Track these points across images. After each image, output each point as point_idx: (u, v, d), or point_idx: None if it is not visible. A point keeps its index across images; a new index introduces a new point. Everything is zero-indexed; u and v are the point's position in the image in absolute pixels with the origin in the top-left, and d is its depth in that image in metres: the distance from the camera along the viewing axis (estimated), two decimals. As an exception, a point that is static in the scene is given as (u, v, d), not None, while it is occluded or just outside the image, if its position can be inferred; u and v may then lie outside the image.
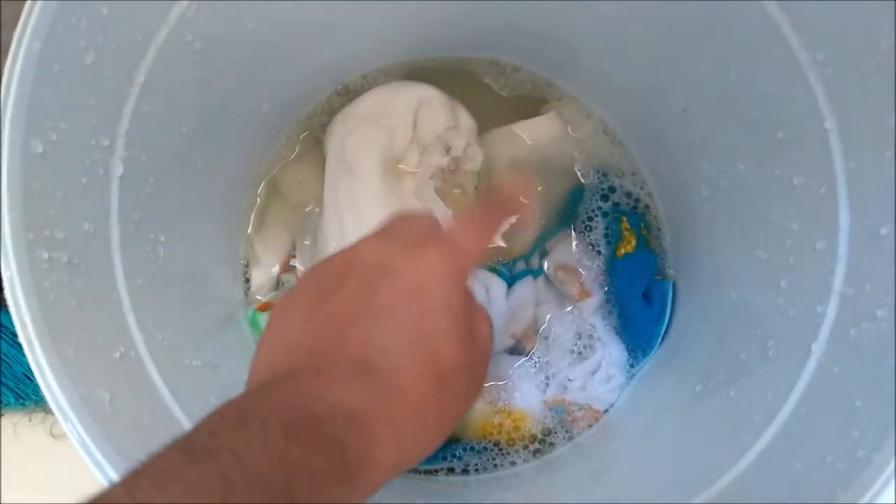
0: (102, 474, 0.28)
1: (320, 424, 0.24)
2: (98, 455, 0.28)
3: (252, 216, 0.54)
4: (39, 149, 0.30)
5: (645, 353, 0.52)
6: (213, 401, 0.25)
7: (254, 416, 0.23)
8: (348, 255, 0.31)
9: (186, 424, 0.35)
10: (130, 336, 0.35)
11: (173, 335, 0.39)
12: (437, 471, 0.50)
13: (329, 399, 0.25)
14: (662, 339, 0.52)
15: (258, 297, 0.53)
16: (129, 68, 0.36)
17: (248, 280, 0.54)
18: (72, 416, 0.28)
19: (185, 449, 0.21)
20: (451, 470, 0.50)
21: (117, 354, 0.34)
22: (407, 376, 0.27)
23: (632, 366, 0.52)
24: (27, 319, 0.28)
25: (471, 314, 0.31)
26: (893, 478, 0.27)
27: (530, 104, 0.56)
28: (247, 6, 0.40)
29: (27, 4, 0.29)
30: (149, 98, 0.37)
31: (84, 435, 0.28)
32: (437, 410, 0.28)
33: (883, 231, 0.32)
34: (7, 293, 0.28)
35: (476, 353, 0.30)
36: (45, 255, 0.30)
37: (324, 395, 0.25)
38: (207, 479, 0.20)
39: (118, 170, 0.36)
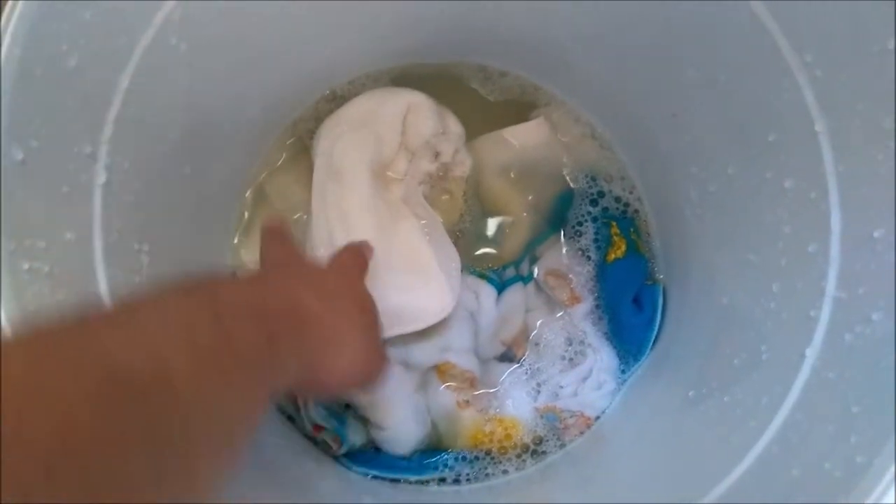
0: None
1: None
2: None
3: (239, 224, 0.54)
4: (19, 156, 0.29)
5: (636, 359, 0.51)
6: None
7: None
8: None
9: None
10: (115, 348, 0.34)
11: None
12: (427, 481, 0.49)
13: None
14: (653, 344, 0.52)
15: (245, 306, 0.52)
16: (113, 72, 0.35)
17: (234, 289, 0.53)
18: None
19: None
20: (442, 480, 0.49)
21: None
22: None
23: (623, 371, 0.52)
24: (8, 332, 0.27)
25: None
26: (894, 482, 0.27)
27: (518, 109, 0.56)
28: (232, 9, 0.40)
29: (7, 6, 0.28)
30: (134, 103, 0.36)
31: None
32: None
33: (876, 234, 0.32)
34: (-13, 305, 0.27)
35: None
36: (26, 266, 0.29)
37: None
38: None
39: (101, 178, 0.35)
